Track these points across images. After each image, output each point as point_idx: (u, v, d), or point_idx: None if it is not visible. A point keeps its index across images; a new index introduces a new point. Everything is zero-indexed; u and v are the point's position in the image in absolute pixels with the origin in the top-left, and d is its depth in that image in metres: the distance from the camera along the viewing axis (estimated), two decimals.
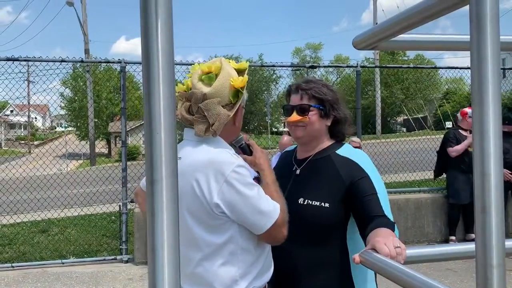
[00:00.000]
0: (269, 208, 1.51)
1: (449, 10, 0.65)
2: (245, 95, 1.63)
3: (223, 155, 1.53)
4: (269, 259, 1.65)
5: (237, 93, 1.58)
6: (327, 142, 1.80)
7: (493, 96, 0.56)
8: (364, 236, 1.50)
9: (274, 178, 1.64)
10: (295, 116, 1.75)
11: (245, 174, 1.51)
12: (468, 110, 5.81)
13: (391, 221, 1.53)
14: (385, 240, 1.21)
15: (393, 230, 1.43)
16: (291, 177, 1.81)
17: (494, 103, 0.56)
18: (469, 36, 0.57)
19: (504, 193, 5.88)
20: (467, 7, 0.59)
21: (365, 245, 1.45)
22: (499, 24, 0.56)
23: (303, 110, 1.75)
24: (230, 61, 1.66)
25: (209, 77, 1.57)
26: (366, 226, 1.51)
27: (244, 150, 1.72)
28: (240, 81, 1.59)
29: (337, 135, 1.81)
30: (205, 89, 1.55)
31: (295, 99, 1.79)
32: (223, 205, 1.47)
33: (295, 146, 1.97)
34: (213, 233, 1.51)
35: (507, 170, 5.70)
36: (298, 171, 1.81)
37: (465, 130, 5.87)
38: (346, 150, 1.76)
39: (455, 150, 5.76)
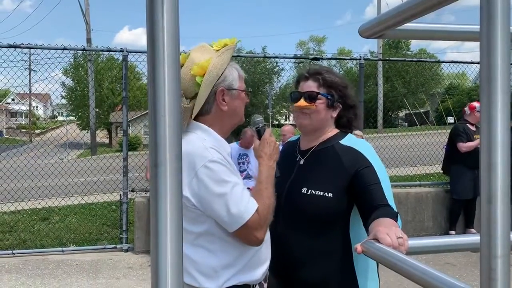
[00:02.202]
0: (239, 209, 1.44)
1: None
2: (224, 76, 1.56)
3: (198, 148, 1.47)
4: (261, 255, 1.59)
5: (199, 81, 1.53)
6: (330, 133, 1.78)
7: (502, 86, 0.55)
8: (367, 225, 1.49)
9: (269, 175, 1.59)
10: (302, 102, 1.74)
11: (217, 170, 1.45)
12: (476, 104, 5.78)
13: (394, 211, 1.52)
14: (387, 230, 1.21)
15: (396, 220, 1.43)
16: (295, 167, 1.79)
17: (503, 93, 0.55)
18: (477, 27, 0.57)
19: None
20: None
21: (368, 235, 1.45)
22: (510, 14, 0.56)
23: (311, 97, 1.74)
24: (214, 42, 1.62)
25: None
26: (369, 216, 1.50)
27: (259, 133, 1.72)
28: (198, 68, 1.53)
29: (345, 125, 1.80)
30: None
31: (304, 86, 1.77)
32: (193, 199, 1.45)
33: (298, 136, 1.96)
34: (191, 223, 1.49)
35: None
36: (301, 162, 1.79)
37: (472, 124, 5.85)
38: (349, 140, 1.75)
39: (467, 146, 5.69)
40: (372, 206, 1.53)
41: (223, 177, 1.45)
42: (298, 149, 1.86)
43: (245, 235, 1.48)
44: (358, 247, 0.90)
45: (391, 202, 1.56)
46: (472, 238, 0.67)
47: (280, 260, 1.68)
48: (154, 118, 0.48)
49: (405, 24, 0.76)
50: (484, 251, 0.56)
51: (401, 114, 38.22)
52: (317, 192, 1.66)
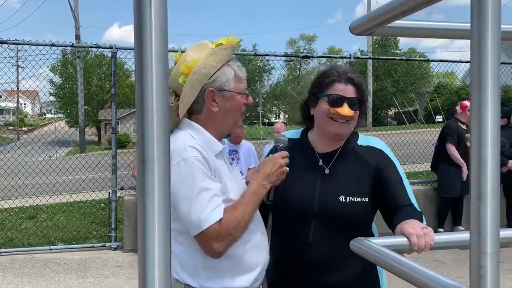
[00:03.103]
0: (199, 216, 1.40)
1: None
2: (216, 77, 1.51)
3: (179, 145, 1.44)
4: (250, 261, 1.54)
5: (181, 81, 1.50)
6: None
7: (492, 84, 0.55)
8: (391, 223, 1.48)
9: (256, 192, 1.51)
10: (348, 110, 1.60)
11: (187, 170, 1.41)
12: (467, 103, 5.84)
13: (418, 211, 1.51)
14: (412, 224, 1.21)
15: (422, 221, 1.41)
16: (318, 173, 1.68)
17: (493, 90, 0.55)
18: (467, 25, 0.57)
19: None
20: None
21: (393, 232, 1.44)
22: (501, 13, 0.56)
23: (355, 105, 1.62)
24: (214, 41, 1.57)
25: None
26: (393, 215, 1.49)
27: (274, 151, 1.63)
28: (184, 67, 1.50)
29: (356, 126, 1.73)
30: None
31: (347, 91, 1.63)
32: None
33: (295, 132, 1.83)
34: (172, 220, 1.46)
35: (511, 161, 5.81)
36: (327, 169, 1.68)
37: (463, 123, 5.90)
38: (364, 139, 1.72)
39: (453, 154, 5.75)
40: (397, 205, 1.51)
41: (192, 178, 1.41)
42: (316, 152, 1.73)
43: (202, 243, 1.44)
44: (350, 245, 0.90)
45: (414, 201, 1.55)
46: (462, 235, 0.67)
47: (310, 265, 1.63)
48: (142, 115, 0.47)
49: (396, 22, 0.76)
50: (474, 248, 0.56)
51: (391, 112, 38.47)
52: (355, 198, 1.60)
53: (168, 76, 0.49)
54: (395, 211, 1.50)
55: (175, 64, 1.59)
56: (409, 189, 1.58)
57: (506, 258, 4.58)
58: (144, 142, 0.47)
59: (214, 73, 1.51)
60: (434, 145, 6.36)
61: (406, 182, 1.60)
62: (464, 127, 5.89)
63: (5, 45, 5.59)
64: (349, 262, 1.61)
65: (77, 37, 23.79)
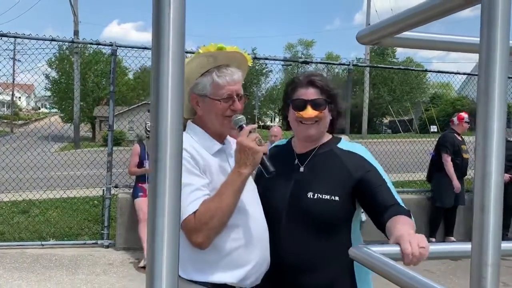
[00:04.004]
0: None
1: (458, 9, 0.65)
2: (197, 83, 1.64)
3: None
4: (239, 257, 1.57)
5: None
6: (326, 137, 1.79)
7: (499, 97, 0.56)
8: (381, 223, 1.53)
9: (232, 181, 1.53)
10: (311, 111, 1.68)
11: None
12: (465, 115, 5.88)
13: (405, 208, 1.56)
14: (410, 238, 1.21)
15: (410, 217, 1.48)
16: (294, 172, 1.75)
17: (500, 103, 0.56)
18: (476, 39, 0.58)
19: None
20: (469, 10, 0.59)
21: (384, 233, 1.48)
22: (510, 27, 0.57)
23: (319, 105, 1.69)
24: (207, 45, 1.66)
25: None
26: (381, 216, 1.53)
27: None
28: None
29: (334, 127, 1.81)
30: None
31: (308, 93, 1.71)
32: None
33: (285, 141, 1.92)
34: None
35: (507, 174, 5.87)
36: (302, 166, 1.75)
37: (459, 134, 5.94)
38: (346, 144, 1.77)
39: (447, 165, 5.79)
40: (385, 206, 1.56)
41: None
42: (293, 153, 1.81)
43: (185, 235, 1.50)
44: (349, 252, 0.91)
45: (400, 200, 1.60)
46: (463, 246, 0.68)
47: (282, 264, 1.66)
48: (157, 114, 0.47)
49: (404, 33, 0.77)
50: (475, 259, 0.57)
51: (386, 121, 38.62)
52: (324, 196, 1.65)
53: (184, 77, 0.50)
54: (382, 212, 1.55)
55: None
56: (394, 191, 1.63)
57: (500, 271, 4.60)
58: (158, 141, 0.48)
59: (197, 79, 1.65)
60: (430, 155, 6.39)
61: (390, 184, 1.65)
62: (459, 138, 5.93)
63: (4, 38, 5.56)
64: (322, 263, 1.66)
65: (76, 32, 23.70)
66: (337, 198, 1.64)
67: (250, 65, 1.76)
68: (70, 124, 25.61)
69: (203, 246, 1.51)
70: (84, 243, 5.63)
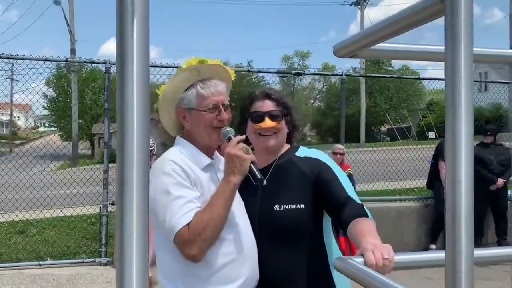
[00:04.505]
0: (171, 222, 1.50)
1: (425, 21, 0.67)
2: (182, 98, 1.66)
3: (162, 160, 1.63)
4: (230, 272, 1.58)
5: (154, 105, 1.71)
6: (283, 148, 1.84)
7: (465, 105, 0.57)
8: (341, 221, 1.57)
9: (222, 190, 1.55)
10: (269, 122, 1.75)
11: (164, 181, 1.54)
12: None
13: (360, 205, 1.60)
14: (374, 248, 1.21)
15: (367, 215, 1.53)
16: (258, 187, 1.75)
17: (467, 112, 0.57)
18: (443, 47, 0.59)
19: (483, 205, 5.99)
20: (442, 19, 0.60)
21: (345, 234, 1.51)
22: (473, 36, 0.58)
23: (276, 117, 1.76)
24: (187, 61, 1.69)
25: None
26: (338, 212, 1.59)
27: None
28: (159, 93, 1.72)
29: (291, 140, 1.88)
30: None
31: (264, 106, 1.78)
32: None
33: None
34: (156, 227, 1.60)
35: (501, 179, 5.87)
36: (265, 181, 1.76)
37: None
38: (304, 151, 1.83)
39: (442, 173, 5.80)
40: (338, 201, 1.60)
41: (167, 188, 1.54)
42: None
43: (179, 247, 1.51)
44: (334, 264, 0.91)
45: (353, 195, 1.64)
46: (437, 254, 0.68)
47: (264, 281, 1.67)
48: (122, 136, 0.48)
49: (378, 44, 0.78)
50: (449, 267, 0.57)
51: (384, 129, 38.70)
52: (289, 206, 1.68)
53: (149, 98, 0.50)
54: (337, 207, 1.60)
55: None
56: (347, 185, 1.67)
57: (497, 275, 4.58)
58: (124, 163, 0.48)
59: (182, 94, 1.67)
60: (430, 162, 6.40)
61: (343, 179, 1.69)
62: None
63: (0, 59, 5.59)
64: (301, 274, 1.67)
65: (73, 51, 23.82)
66: (302, 206, 1.68)
67: (233, 79, 1.78)
68: (68, 142, 25.59)
69: (197, 258, 1.50)
70: (82, 262, 5.60)
